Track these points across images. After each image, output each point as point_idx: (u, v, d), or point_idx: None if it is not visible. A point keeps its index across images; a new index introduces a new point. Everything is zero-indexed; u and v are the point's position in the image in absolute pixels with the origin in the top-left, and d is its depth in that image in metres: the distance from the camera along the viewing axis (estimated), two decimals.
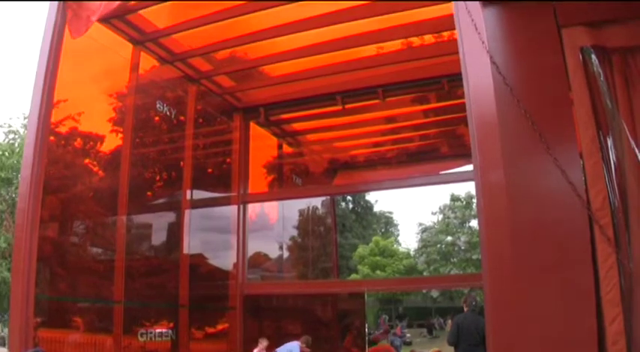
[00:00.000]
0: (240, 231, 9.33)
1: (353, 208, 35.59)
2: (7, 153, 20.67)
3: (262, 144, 10.62)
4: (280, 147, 11.30)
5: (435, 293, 30.92)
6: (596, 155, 3.17)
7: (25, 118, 20.25)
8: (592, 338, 2.98)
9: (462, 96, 3.92)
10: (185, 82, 8.92)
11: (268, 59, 8.59)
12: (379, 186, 12.18)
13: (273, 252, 11.79)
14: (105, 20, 7.18)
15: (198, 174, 9.37)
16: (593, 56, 3.31)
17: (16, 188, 18.29)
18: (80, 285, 7.26)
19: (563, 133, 3.30)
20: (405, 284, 16.72)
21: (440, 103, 9.56)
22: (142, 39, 7.88)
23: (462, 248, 30.04)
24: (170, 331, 8.06)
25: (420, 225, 33.71)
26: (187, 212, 8.80)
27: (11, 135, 21.59)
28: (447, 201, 31.65)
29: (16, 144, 20.93)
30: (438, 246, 31.19)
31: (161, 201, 9.15)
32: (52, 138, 6.81)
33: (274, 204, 11.46)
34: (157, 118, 8.70)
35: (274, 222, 11.58)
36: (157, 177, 9.06)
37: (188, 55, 8.49)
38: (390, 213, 38.64)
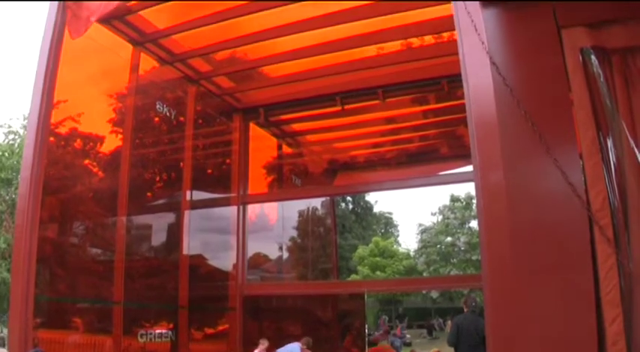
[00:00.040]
0: (239, 232, 9.33)
1: (353, 209, 35.58)
2: (6, 154, 20.66)
3: (262, 145, 10.62)
4: (280, 147, 11.30)
5: (434, 294, 30.91)
6: (596, 156, 3.17)
7: (25, 119, 20.23)
8: (592, 339, 2.98)
9: (461, 97, 3.92)
10: (185, 82, 8.92)
11: (268, 60, 8.59)
12: (379, 186, 12.19)
13: (273, 253, 11.78)
14: (105, 21, 7.19)
15: (198, 175, 9.37)
16: (593, 57, 3.31)
17: (16, 188, 18.27)
18: (80, 286, 7.26)
19: (563, 134, 3.29)
20: (404, 285, 16.71)
21: (440, 104, 9.55)
22: (142, 40, 7.89)
23: (462, 249, 30.02)
24: (170, 332, 8.05)
25: (420, 225, 33.72)
26: (187, 213, 8.80)
27: (11, 136, 21.59)
28: (447, 202, 31.66)
29: (16, 145, 20.92)
30: (438, 246, 31.17)
31: (161, 201, 9.15)
32: (51, 138, 6.82)
33: (274, 204, 11.46)
34: (156, 119, 8.70)
35: (274, 223, 11.58)
36: (157, 178, 9.06)
37: (188, 55, 8.50)
38: (390, 213, 38.64)
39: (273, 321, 10.22)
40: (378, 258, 30.46)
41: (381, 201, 38.36)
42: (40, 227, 6.03)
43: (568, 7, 3.39)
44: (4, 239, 18.99)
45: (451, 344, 7.08)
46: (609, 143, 3.20)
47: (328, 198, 13.22)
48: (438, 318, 31.32)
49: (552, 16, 3.42)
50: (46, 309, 6.52)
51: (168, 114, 8.65)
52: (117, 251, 7.49)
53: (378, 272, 29.48)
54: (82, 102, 7.30)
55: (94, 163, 7.94)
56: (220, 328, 9.42)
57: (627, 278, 3.01)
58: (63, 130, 7.26)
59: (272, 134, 10.94)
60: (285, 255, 12.63)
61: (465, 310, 7.34)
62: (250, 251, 9.66)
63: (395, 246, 33.42)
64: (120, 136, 7.90)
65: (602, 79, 3.27)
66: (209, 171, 10.14)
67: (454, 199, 31.21)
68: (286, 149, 11.54)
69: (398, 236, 38.01)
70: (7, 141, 21.53)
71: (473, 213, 28.60)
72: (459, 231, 30.83)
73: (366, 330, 12.33)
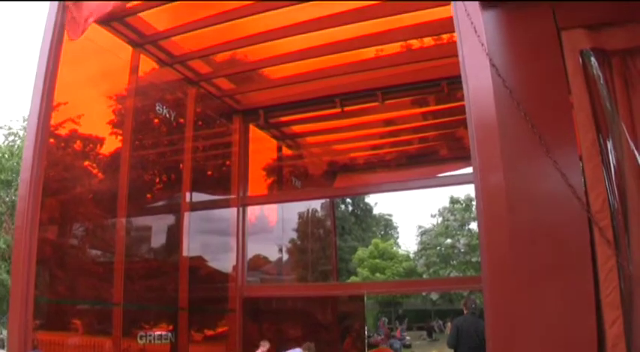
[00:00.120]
0: (239, 234, 9.32)
1: (352, 211, 35.62)
2: (6, 156, 20.69)
3: (262, 147, 10.61)
4: (280, 149, 11.29)
5: (434, 296, 30.94)
6: (596, 158, 3.17)
7: (24, 121, 20.26)
8: (592, 341, 2.97)
9: (461, 99, 3.91)
10: (184, 84, 8.92)
11: (268, 62, 8.59)
12: (379, 188, 12.21)
13: (273, 255, 11.78)
14: (104, 22, 7.19)
15: (198, 177, 9.37)
16: (593, 59, 3.31)
17: (16, 190, 18.30)
18: (79, 288, 7.25)
19: (563, 136, 3.29)
20: (404, 287, 16.69)
21: (439, 106, 9.55)
22: (142, 41, 7.89)
23: (462, 250, 30.06)
24: (169, 333, 8.05)
25: (420, 227, 33.78)
26: (187, 214, 8.79)
27: (11, 138, 21.63)
28: (447, 204, 31.74)
29: (16, 147, 20.95)
30: (438, 248, 31.21)
31: (160, 203, 9.15)
32: (51, 140, 6.82)
33: (274, 206, 11.45)
34: (156, 121, 8.70)
35: (274, 225, 11.57)
36: (157, 180, 9.06)
37: (187, 57, 8.50)
38: (390, 215, 38.70)
39: (273, 323, 10.21)
40: (377, 260, 30.48)
41: (380, 202, 38.44)
42: (40, 228, 6.02)
43: (568, 9, 3.39)
44: (4, 240, 19.02)
45: (451, 346, 7.09)
46: (609, 145, 3.19)
47: (328, 199, 13.23)
48: (438, 320, 31.34)
49: (552, 17, 3.42)
50: (45, 311, 6.51)
51: (167, 115, 8.65)
52: (117, 252, 7.49)
53: (377, 274, 29.50)
54: (81, 103, 7.30)
55: (94, 165, 7.94)
56: (220, 330, 9.41)
57: (627, 281, 3.00)
58: (63, 132, 7.27)
59: (272, 136, 10.93)
60: (285, 256, 12.63)
61: (465, 312, 7.35)
62: (250, 253, 9.65)
63: (395, 248, 33.46)
64: (119, 138, 7.90)
65: (602, 81, 3.27)
66: (209, 172, 10.14)
67: (454, 201, 31.28)
68: (286, 151, 11.53)
69: (397, 238, 38.10)
70: (7, 142, 21.57)
71: (472, 215, 28.63)
72: (458, 232, 30.88)
73: (366, 332, 12.31)
